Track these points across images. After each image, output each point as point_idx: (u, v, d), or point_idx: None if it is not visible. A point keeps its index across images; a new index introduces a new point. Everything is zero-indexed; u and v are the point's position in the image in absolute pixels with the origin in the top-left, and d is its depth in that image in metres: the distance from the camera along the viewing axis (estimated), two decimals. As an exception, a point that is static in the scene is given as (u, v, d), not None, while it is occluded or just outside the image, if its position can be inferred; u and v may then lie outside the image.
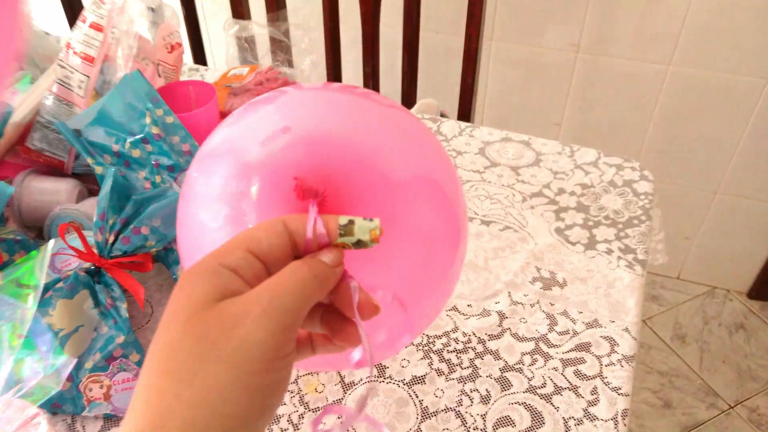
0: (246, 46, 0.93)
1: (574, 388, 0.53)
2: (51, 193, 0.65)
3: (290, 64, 0.95)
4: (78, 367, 0.52)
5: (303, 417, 0.52)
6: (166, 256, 0.60)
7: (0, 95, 0.48)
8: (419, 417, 0.52)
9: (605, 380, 0.53)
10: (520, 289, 0.62)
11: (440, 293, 0.43)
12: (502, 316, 0.59)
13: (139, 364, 0.54)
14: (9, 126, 0.65)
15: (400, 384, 0.54)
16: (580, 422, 0.51)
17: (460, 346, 0.57)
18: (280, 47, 0.95)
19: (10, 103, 0.67)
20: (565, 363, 0.55)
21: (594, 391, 0.53)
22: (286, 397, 0.53)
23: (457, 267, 0.42)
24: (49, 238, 0.63)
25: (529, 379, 0.54)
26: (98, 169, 0.61)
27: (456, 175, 0.44)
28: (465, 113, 1.12)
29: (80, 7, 0.67)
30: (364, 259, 0.32)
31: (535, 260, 0.65)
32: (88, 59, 0.67)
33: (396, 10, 1.10)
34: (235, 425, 0.23)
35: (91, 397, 0.52)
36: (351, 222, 0.28)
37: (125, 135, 0.62)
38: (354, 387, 0.54)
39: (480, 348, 0.57)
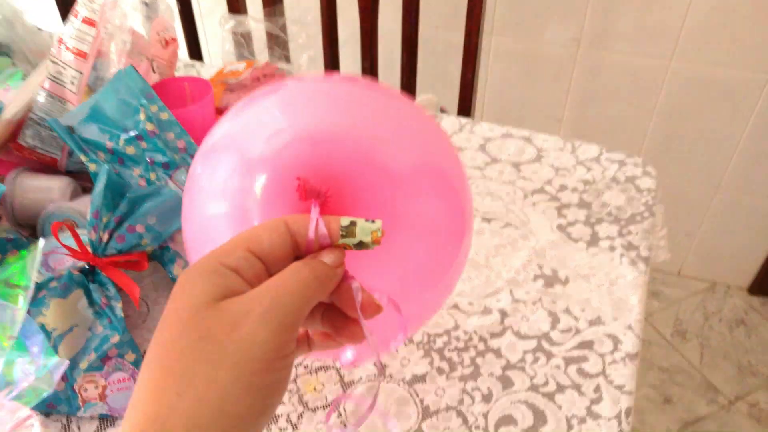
0: (242, 41, 0.92)
1: (576, 387, 0.52)
2: (44, 190, 0.64)
3: (287, 60, 0.94)
4: (73, 367, 0.51)
5: (302, 416, 0.51)
6: (162, 255, 0.59)
7: None
8: (420, 416, 0.51)
9: (608, 378, 0.52)
10: (521, 286, 0.61)
11: (443, 286, 0.42)
12: (503, 314, 0.58)
13: (135, 363, 0.53)
14: (0, 123, 0.64)
15: (401, 383, 0.53)
16: (583, 421, 0.50)
17: (461, 345, 0.56)
18: (277, 42, 0.94)
19: (1, 99, 0.66)
20: (568, 361, 0.54)
21: (597, 389, 0.52)
22: (285, 396, 0.53)
23: (462, 259, 0.42)
24: (43, 237, 0.62)
25: (531, 378, 0.53)
26: (92, 167, 0.60)
27: (460, 163, 0.43)
28: (465, 109, 1.11)
29: (73, 2, 0.66)
30: (365, 257, 0.32)
31: (537, 257, 0.64)
32: (81, 55, 0.66)
33: (395, 4, 1.09)
34: (237, 424, 0.23)
35: (87, 397, 0.52)
36: (353, 223, 0.28)
37: (119, 132, 0.61)
38: (353, 385, 0.53)
39: (481, 346, 0.56)
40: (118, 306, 0.54)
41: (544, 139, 0.79)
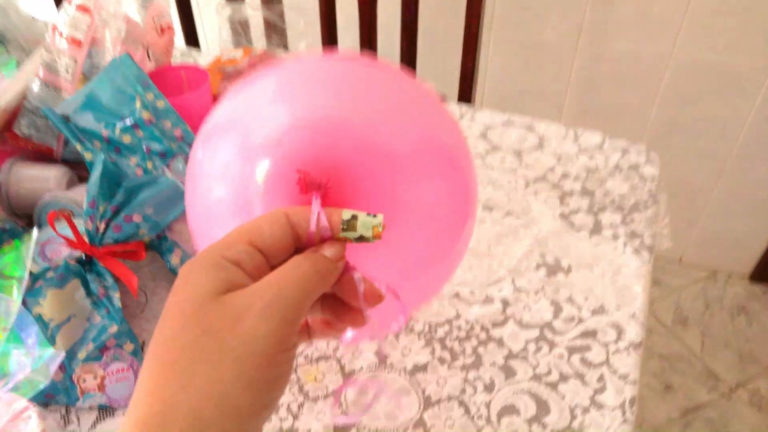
0: (239, 29, 0.91)
1: (580, 376, 0.52)
2: (40, 180, 0.64)
3: (285, 47, 0.93)
4: (71, 357, 0.51)
5: (302, 406, 0.51)
6: (160, 244, 0.58)
7: None
8: (421, 406, 0.51)
9: (612, 368, 0.52)
10: (523, 275, 0.60)
11: (445, 269, 0.42)
12: (505, 303, 0.58)
13: (134, 353, 0.53)
14: (-5, 112, 0.63)
15: (402, 373, 0.53)
16: (586, 410, 0.49)
17: (462, 334, 0.55)
18: (275, 30, 0.93)
19: (-4, 87, 0.65)
20: (571, 350, 0.54)
21: (600, 379, 0.51)
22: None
23: (464, 241, 0.42)
24: (39, 226, 0.61)
25: (534, 367, 0.53)
26: (87, 156, 0.59)
27: (463, 140, 0.42)
28: (465, 98, 1.10)
29: (67, -11, 0.65)
30: (365, 243, 0.31)
31: (539, 246, 0.63)
32: (75, 42, 0.65)
33: (393, -10, 1.08)
34: (239, 419, 0.23)
35: (85, 387, 0.51)
36: (354, 217, 0.28)
37: (115, 120, 0.60)
38: (354, 375, 0.53)
39: (483, 336, 0.55)
40: (116, 296, 0.54)
41: (545, 126, 0.78)
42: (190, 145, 0.61)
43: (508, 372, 0.52)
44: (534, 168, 0.72)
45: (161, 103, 0.61)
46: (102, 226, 0.54)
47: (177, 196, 0.56)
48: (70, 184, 0.65)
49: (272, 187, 0.35)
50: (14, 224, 0.60)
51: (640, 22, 1.23)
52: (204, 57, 0.92)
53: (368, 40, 1.11)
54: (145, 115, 0.60)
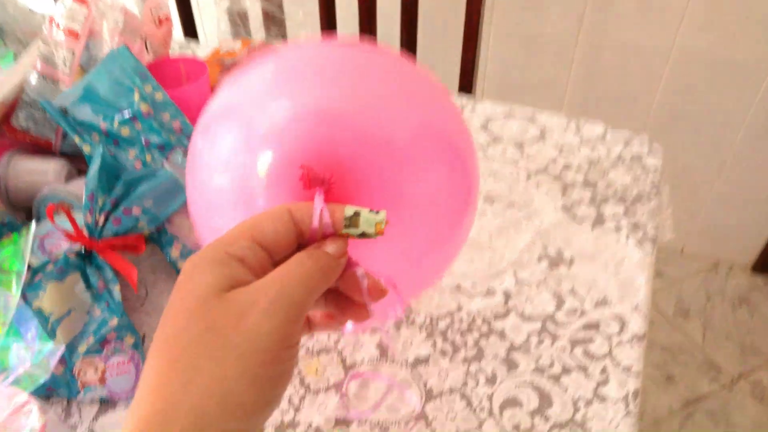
0: (238, 20, 0.90)
1: (583, 369, 0.51)
2: (38, 173, 0.63)
3: (284, 38, 0.92)
4: (71, 350, 0.50)
5: (304, 399, 0.51)
6: (160, 237, 0.58)
7: None
8: (423, 398, 0.50)
9: (615, 360, 0.52)
10: (525, 267, 0.60)
11: (445, 257, 0.42)
12: (507, 295, 0.57)
13: (135, 346, 0.53)
14: (-8, 104, 0.62)
15: (403, 365, 0.53)
16: (589, 403, 0.49)
17: (464, 327, 0.55)
18: (274, 21, 0.92)
19: (-7, 80, 0.65)
20: (574, 343, 0.53)
21: (603, 371, 0.51)
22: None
23: (464, 233, 0.42)
24: (38, 220, 0.61)
25: (537, 360, 0.52)
26: (86, 148, 0.58)
27: (466, 129, 0.42)
28: (466, 89, 1.10)
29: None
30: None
31: (541, 238, 0.63)
32: (73, 34, 0.64)
33: (393, -19, 1.07)
34: (243, 415, 0.23)
35: (86, 381, 0.51)
36: (357, 214, 0.28)
37: (113, 113, 0.59)
38: (355, 368, 0.52)
39: (485, 328, 0.55)
40: (116, 289, 0.53)
41: (547, 117, 0.77)
42: (188, 138, 0.61)
43: (510, 365, 0.52)
44: (536, 159, 0.72)
45: (160, 96, 0.61)
46: (101, 219, 0.54)
47: (176, 188, 0.56)
48: (68, 178, 0.65)
49: (274, 179, 0.34)
50: (13, 218, 0.59)
51: (642, 13, 1.22)
52: (202, 49, 0.91)
53: (368, 31, 1.10)
54: (144, 108, 0.59)
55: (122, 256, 0.55)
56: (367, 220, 0.28)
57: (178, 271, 0.58)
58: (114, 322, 0.52)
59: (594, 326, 0.54)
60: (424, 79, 0.41)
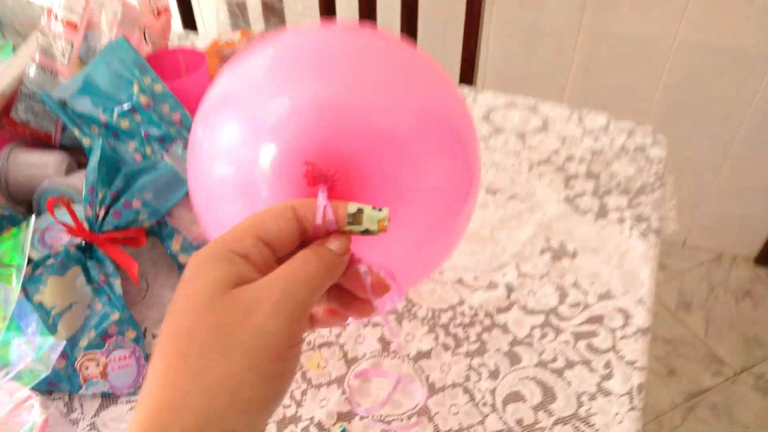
0: (237, 11, 0.89)
1: (586, 363, 0.51)
2: (38, 166, 0.63)
3: (285, 30, 0.91)
4: (73, 344, 0.50)
5: (306, 393, 0.50)
6: (160, 230, 0.58)
7: None
8: (425, 394, 0.50)
9: (619, 354, 0.51)
10: (528, 260, 0.59)
11: (443, 248, 0.43)
12: (509, 288, 0.57)
13: (136, 341, 0.53)
14: (-9, 97, 0.62)
15: (405, 359, 0.52)
16: (593, 397, 0.49)
17: (466, 320, 0.55)
18: (273, 12, 0.92)
19: (-9, 72, 0.64)
20: (577, 336, 0.53)
21: (608, 365, 0.51)
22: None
23: (465, 221, 0.42)
24: (39, 213, 0.60)
25: (540, 354, 0.52)
26: (86, 141, 0.58)
27: (468, 114, 0.42)
28: (467, 79, 1.09)
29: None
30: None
31: (544, 230, 0.62)
32: (71, 25, 0.64)
33: (395, -29, 1.06)
34: (249, 410, 0.24)
35: (88, 375, 0.51)
36: (360, 211, 0.28)
37: (113, 104, 0.59)
38: (357, 362, 0.52)
39: (487, 322, 0.55)
40: (117, 283, 0.53)
41: (550, 108, 0.77)
42: (188, 130, 0.60)
43: (513, 358, 0.52)
44: (538, 150, 0.71)
45: (159, 87, 0.60)
46: (101, 213, 0.54)
47: (176, 181, 0.56)
48: (69, 170, 0.64)
49: (276, 171, 0.34)
50: (14, 211, 0.59)
51: (644, 3, 1.20)
52: (201, 40, 0.91)
53: (368, 20, 1.10)
54: (143, 100, 0.59)
55: (123, 250, 0.55)
56: (370, 217, 0.28)
57: (179, 265, 0.57)
58: (115, 316, 0.52)
59: (598, 320, 0.54)
60: (424, 63, 0.41)
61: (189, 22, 1.21)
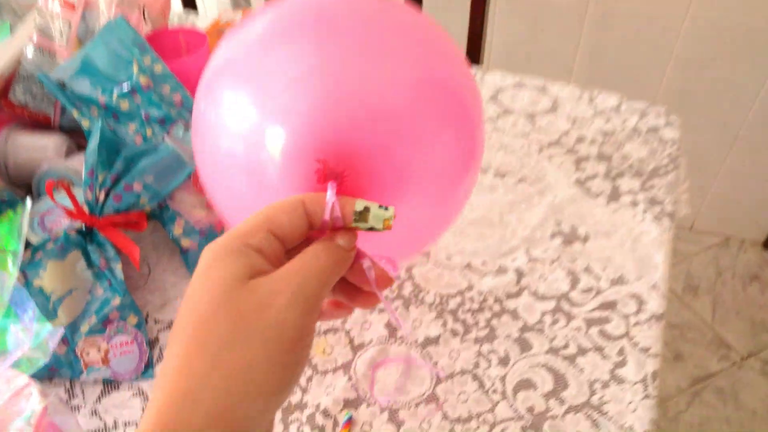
0: (240, -11, 0.87)
1: (599, 349, 0.50)
2: (37, 149, 0.61)
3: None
4: (74, 330, 0.49)
5: (311, 380, 0.49)
6: (162, 214, 0.56)
7: None
8: (434, 380, 0.49)
9: (633, 340, 0.50)
10: (538, 245, 0.58)
11: (441, 223, 0.43)
12: (519, 273, 0.56)
13: (138, 326, 0.52)
14: (-13, 78, 0.60)
15: (413, 345, 0.51)
16: (606, 385, 0.48)
17: (475, 306, 0.54)
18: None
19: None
20: (589, 322, 0.52)
21: (621, 352, 0.49)
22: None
23: (465, 194, 0.42)
24: (38, 196, 0.59)
25: (551, 340, 0.51)
26: (85, 123, 0.57)
27: (472, 81, 0.41)
28: (474, 59, 1.07)
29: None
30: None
31: (555, 214, 0.61)
32: (69, 5, 0.62)
33: (400, -52, 1.03)
34: (265, 395, 0.25)
35: (89, 361, 0.50)
36: (366, 209, 0.29)
37: (112, 85, 0.57)
38: (364, 348, 0.51)
39: (497, 308, 0.53)
40: (118, 267, 0.52)
41: (559, 88, 0.75)
42: (189, 111, 0.59)
43: (524, 345, 0.51)
44: (548, 132, 0.70)
45: (159, 68, 0.59)
46: (102, 196, 0.52)
47: (178, 164, 0.54)
48: (68, 153, 0.63)
49: (286, 155, 0.34)
50: (13, 195, 0.58)
51: (656, -19, 1.18)
52: (202, 20, 0.89)
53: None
54: (143, 80, 0.57)
55: (124, 234, 0.53)
56: (376, 215, 0.29)
57: (181, 249, 0.56)
58: (116, 301, 0.51)
59: (610, 305, 0.53)
60: (429, 30, 0.39)
61: (189, 1, 1.19)
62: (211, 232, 0.57)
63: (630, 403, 0.46)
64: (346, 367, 0.50)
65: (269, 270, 0.27)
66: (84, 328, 0.50)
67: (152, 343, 0.53)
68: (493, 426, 0.46)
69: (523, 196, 0.63)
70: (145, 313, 0.55)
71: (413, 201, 0.37)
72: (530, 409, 0.47)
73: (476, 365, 0.50)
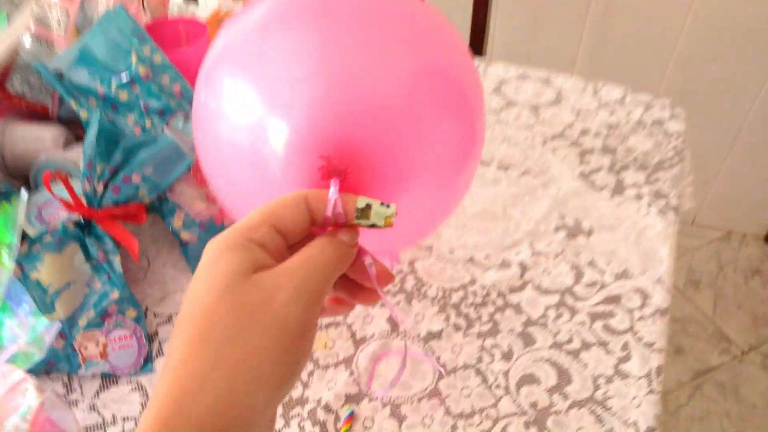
0: (241, -21, 0.86)
1: (603, 344, 0.49)
2: (35, 140, 0.61)
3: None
4: (72, 324, 0.49)
5: (313, 374, 0.49)
6: (161, 206, 0.56)
7: None
8: (436, 374, 0.49)
9: (637, 335, 0.50)
10: (542, 238, 0.57)
11: (440, 212, 0.43)
12: (523, 267, 0.55)
13: (137, 320, 0.51)
14: (-16, 67, 0.59)
15: (415, 340, 0.51)
16: (610, 380, 0.47)
17: (478, 300, 0.53)
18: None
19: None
20: (594, 317, 0.51)
21: (625, 347, 0.49)
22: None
23: (467, 180, 0.42)
24: (36, 188, 0.58)
25: (554, 335, 0.50)
26: (83, 114, 0.56)
27: (473, 69, 0.41)
28: (477, 51, 1.06)
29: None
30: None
31: (558, 207, 0.60)
32: (67, -8, 0.61)
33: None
34: (270, 386, 0.25)
35: (87, 355, 0.49)
36: (368, 206, 0.29)
37: (110, 76, 0.57)
38: (366, 342, 0.51)
39: (500, 302, 0.53)
40: (117, 260, 0.51)
41: (563, 80, 0.74)
42: (189, 102, 0.58)
43: (527, 340, 0.50)
44: (552, 124, 0.69)
45: (158, 58, 0.58)
46: (100, 188, 0.52)
47: (177, 155, 0.54)
48: (67, 144, 0.62)
49: (289, 149, 0.34)
50: (10, 186, 0.57)
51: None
52: (202, 10, 0.88)
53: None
54: (142, 70, 0.56)
55: (123, 226, 0.53)
56: (378, 213, 0.29)
57: (180, 242, 0.56)
58: (115, 294, 0.50)
59: (615, 300, 0.52)
60: (429, 17, 0.39)
61: (189, -8, 1.17)
62: (211, 225, 0.56)
63: (634, 398, 0.46)
64: (347, 361, 0.50)
65: (272, 265, 0.27)
66: (82, 322, 0.49)
67: (151, 337, 0.53)
68: (496, 421, 0.46)
69: (526, 189, 0.62)
70: (144, 307, 0.54)
71: (414, 193, 0.37)
72: (534, 405, 0.46)
73: (479, 360, 0.49)
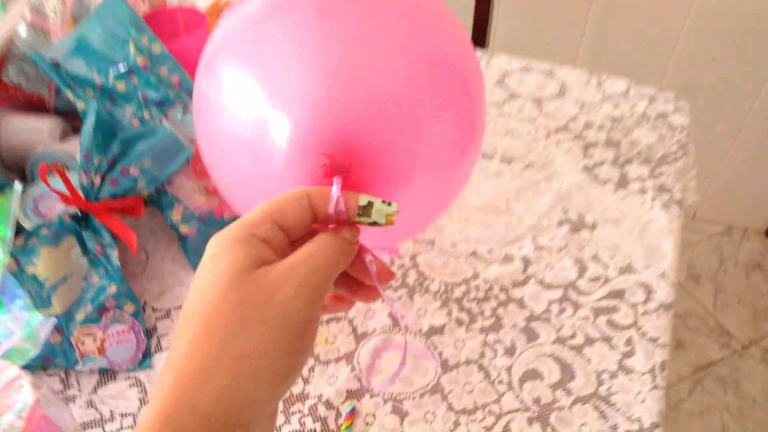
0: (240, -31, 0.85)
1: (607, 339, 0.49)
2: (32, 132, 0.60)
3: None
4: (69, 319, 0.48)
5: (313, 370, 0.48)
6: (159, 199, 0.55)
7: None
8: (437, 370, 0.48)
9: (641, 330, 0.49)
10: (545, 232, 0.57)
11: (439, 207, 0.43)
12: (526, 262, 0.55)
13: (135, 315, 0.50)
14: (-21, 58, 0.59)
15: (417, 335, 0.50)
16: (614, 375, 0.47)
17: (481, 295, 0.52)
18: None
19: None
20: (597, 312, 0.51)
21: (629, 342, 0.48)
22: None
23: (467, 172, 0.42)
24: (32, 180, 0.58)
25: (558, 330, 0.50)
26: (80, 105, 0.55)
27: (474, 60, 0.41)
28: (479, 43, 1.05)
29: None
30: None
31: (562, 201, 0.59)
32: (63, -19, 0.60)
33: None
34: (274, 379, 0.25)
35: (84, 350, 0.49)
36: (370, 204, 0.30)
37: (108, 65, 0.56)
38: (367, 338, 0.50)
39: (503, 296, 0.52)
40: (114, 254, 0.51)
41: (567, 72, 0.73)
42: (188, 93, 0.57)
43: (530, 335, 0.50)
44: (555, 117, 0.68)
45: (157, 48, 0.57)
46: (97, 180, 0.51)
47: (176, 147, 0.53)
48: (63, 136, 0.61)
49: (291, 145, 0.34)
50: (6, 179, 0.56)
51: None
52: None
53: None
54: (140, 61, 0.55)
55: (120, 220, 0.52)
56: (379, 210, 0.29)
57: (179, 235, 0.55)
58: (113, 289, 0.50)
59: (618, 294, 0.52)
60: (429, 5, 0.38)
61: (188, -18, 1.16)
62: (211, 219, 0.55)
63: (638, 393, 0.45)
64: (349, 357, 0.49)
65: (275, 260, 0.28)
66: (79, 316, 0.49)
67: (150, 332, 0.52)
68: (498, 417, 0.45)
69: (529, 183, 0.61)
70: (143, 302, 0.54)
71: (415, 187, 0.37)
72: (537, 400, 0.46)
73: (482, 355, 0.49)
